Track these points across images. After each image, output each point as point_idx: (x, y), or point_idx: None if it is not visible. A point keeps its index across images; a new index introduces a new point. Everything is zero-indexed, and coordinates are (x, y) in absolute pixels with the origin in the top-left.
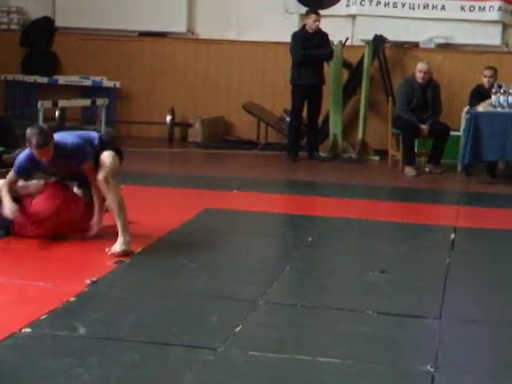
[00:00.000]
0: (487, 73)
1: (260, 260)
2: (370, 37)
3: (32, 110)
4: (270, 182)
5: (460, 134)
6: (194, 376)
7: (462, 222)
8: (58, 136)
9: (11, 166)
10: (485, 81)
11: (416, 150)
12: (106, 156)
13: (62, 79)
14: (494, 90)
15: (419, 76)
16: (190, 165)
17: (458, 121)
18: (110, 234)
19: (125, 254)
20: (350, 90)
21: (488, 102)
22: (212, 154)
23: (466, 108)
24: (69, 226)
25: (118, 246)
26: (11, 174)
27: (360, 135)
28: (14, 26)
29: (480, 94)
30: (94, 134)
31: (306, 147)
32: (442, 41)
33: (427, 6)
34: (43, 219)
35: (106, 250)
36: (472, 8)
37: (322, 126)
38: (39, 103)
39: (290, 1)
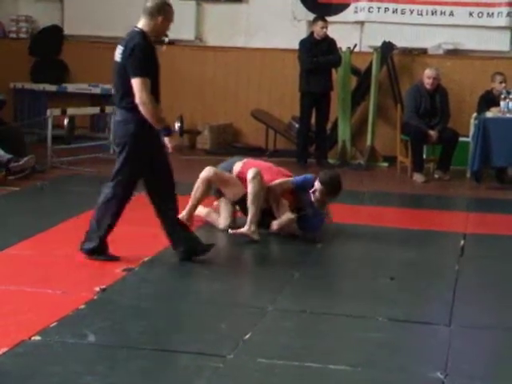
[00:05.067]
0: (499, 78)
1: (269, 267)
2: (379, 43)
3: (41, 118)
4: None
5: (469, 140)
6: (203, 383)
7: (471, 229)
8: None
9: (19, 172)
10: (497, 87)
11: (425, 156)
12: None
13: (70, 87)
14: (503, 96)
15: (427, 82)
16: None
17: (466, 127)
18: (117, 243)
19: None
20: (358, 96)
21: (498, 109)
22: (221, 160)
23: (475, 114)
24: None
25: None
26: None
27: (369, 142)
28: (22, 35)
29: (489, 99)
30: None
31: (314, 154)
32: (451, 47)
33: (435, 12)
34: None
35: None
36: (480, 14)
37: (330, 133)
38: (48, 111)
39: (298, 8)
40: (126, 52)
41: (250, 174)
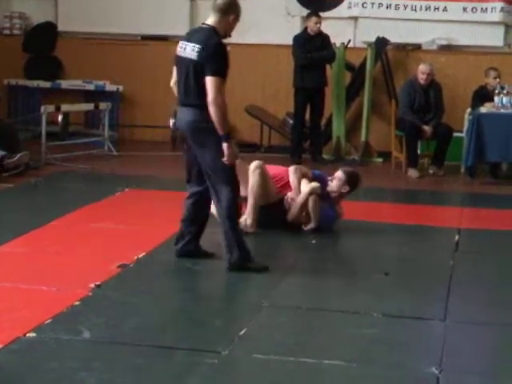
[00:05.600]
0: (494, 74)
1: (264, 263)
2: (373, 39)
3: (35, 114)
4: None
5: (463, 135)
6: (198, 379)
7: (465, 224)
8: None
9: (13, 169)
10: (491, 82)
11: (419, 151)
12: None
13: (64, 83)
14: (497, 91)
15: (421, 77)
16: None
17: (460, 122)
18: (112, 239)
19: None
20: (352, 92)
21: (492, 104)
22: None
23: (469, 109)
24: None
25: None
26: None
27: (363, 137)
28: (16, 31)
29: (483, 95)
30: None
31: (309, 150)
32: (445, 42)
33: (429, 7)
34: None
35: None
36: (474, 9)
37: (325, 129)
38: (42, 108)
39: (292, 3)
40: (207, 50)
41: (251, 166)
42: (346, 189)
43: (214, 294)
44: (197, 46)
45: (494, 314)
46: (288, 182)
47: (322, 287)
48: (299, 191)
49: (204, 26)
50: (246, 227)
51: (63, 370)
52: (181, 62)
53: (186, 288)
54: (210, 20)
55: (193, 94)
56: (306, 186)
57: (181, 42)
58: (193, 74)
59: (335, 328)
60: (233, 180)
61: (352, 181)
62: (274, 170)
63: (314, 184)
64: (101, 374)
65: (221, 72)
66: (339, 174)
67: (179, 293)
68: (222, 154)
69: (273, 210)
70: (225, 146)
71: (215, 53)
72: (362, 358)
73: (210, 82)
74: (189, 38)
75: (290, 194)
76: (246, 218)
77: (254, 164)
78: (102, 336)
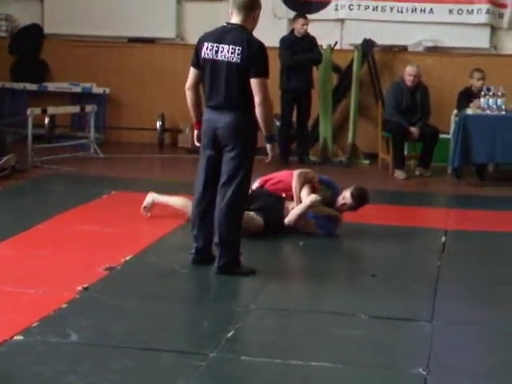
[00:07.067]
0: (478, 75)
1: (251, 265)
2: (359, 41)
3: (21, 117)
4: None
5: (449, 136)
6: (185, 382)
7: (452, 225)
8: None
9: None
10: (476, 83)
11: (406, 153)
12: None
13: (51, 86)
14: (483, 93)
15: (408, 79)
16: (181, 170)
17: (447, 124)
18: (99, 242)
19: None
20: (339, 94)
21: (477, 103)
22: None
23: (455, 111)
24: None
25: None
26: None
27: (350, 139)
28: (2, 34)
29: (468, 96)
30: None
31: (296, 152)
32: (431, 44)
33: (415, 9)
34: None
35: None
36: (460, 11)
37: (311, 131)
38: (28, 110)
39: (279, 5)
40: (250, 52)
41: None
42: (350, 203)
43: (202, 297)
44: (237, 48)
45: (481, 314)
46: (285, 184)
47: (309, 289)
48: (299, 199)
49: (231, 25)
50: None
51: (51, 373)
52: (214, 65)
53: (173, 290)
54: (237, 19)
55: (236, 98)
56: (306, 197)
57: (208, 44)
58: (235, 77)
59: (322, 330)
60: (247, 186)
61: (360, 198)
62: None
63: (314, 197)
64: (88, 377)
65: (267, 73)
66: (348, 199)
67: (167, 295)
68: (250, 158)
69: (270, 210)
70: (270, 146)
71: (259, 54)
72: (349, 359)
73: (258, 83)
74: (218, 39)
75: (290, 204)
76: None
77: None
78: (89, 339)
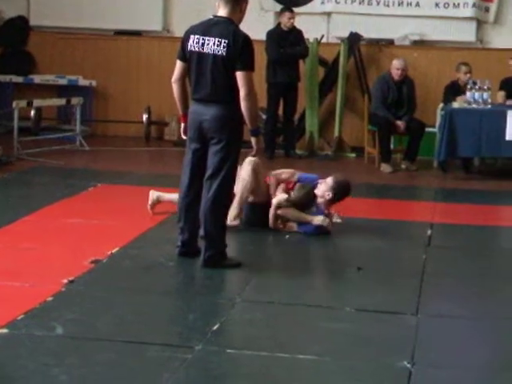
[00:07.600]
0: (465, 69)
1: (237, 258)
2: (346, 34)
3: (7, 109)
4: None
5: (435, 130)
6: (171, 374)
7: (438, 218)
8: None
9: None
10: (462, 77)
11: (392, 146)
12: None
13: (37, 78)
14: (469, 87)
15: (395, 73)
16: (167, 163)
17: (433, 117)
18: (85, 235)
19: None
20: (325, 87)
21: (463, 97)
22: None
23: (441, 105)
24: None
25: None
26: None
27: (336, 132)
28: None
29: (454, 90)
30: None
31: (282, 145)
32: (417, 38)
33: (402, 3)
34: None
35: None
36: (446, 5)
37: (298, 124)
38: (14, 103)
39: None
40: (236, 45)
41: (246, 160)
42: (329, 195)
43: (188, 290)
44: (223, 41)
45: (466, 307)
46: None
47: (294, 282)
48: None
49: (217, 18)
50: (230, 220)
51: (36, 366)
52: (200, 57)
53: (159, 283)
54: (223, 11)
55: (222, 90)
56: (275, 199)
57: (195, 37)
58: (221, 69)
59: (308, 323)
60: (232, 179)
61: (338, 189)
62: None
63: (280, 197)
64: (73, 370)
65: (252, 66)
66: (329, 179)
67: (152, 288)
68: (236, 150)
69: (260, 210)
70: (254, 139)
71: (245, 47)
72: (335, 352)
73: (243, 76)
74: (205, 32)
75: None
76: (231, 211)
77: (249, 158)
78: (74, 332)
